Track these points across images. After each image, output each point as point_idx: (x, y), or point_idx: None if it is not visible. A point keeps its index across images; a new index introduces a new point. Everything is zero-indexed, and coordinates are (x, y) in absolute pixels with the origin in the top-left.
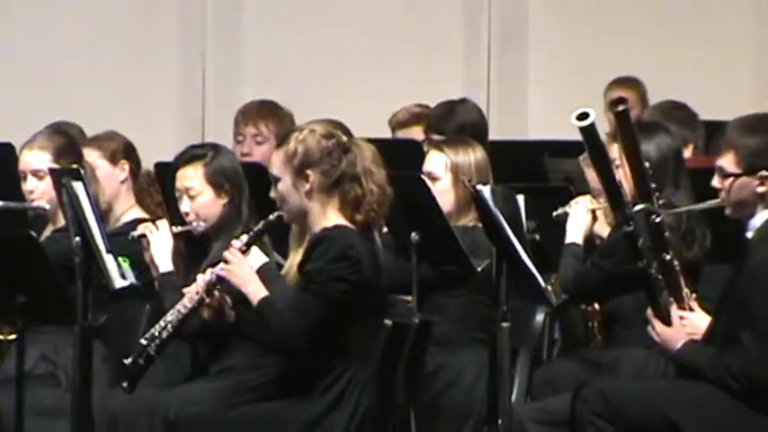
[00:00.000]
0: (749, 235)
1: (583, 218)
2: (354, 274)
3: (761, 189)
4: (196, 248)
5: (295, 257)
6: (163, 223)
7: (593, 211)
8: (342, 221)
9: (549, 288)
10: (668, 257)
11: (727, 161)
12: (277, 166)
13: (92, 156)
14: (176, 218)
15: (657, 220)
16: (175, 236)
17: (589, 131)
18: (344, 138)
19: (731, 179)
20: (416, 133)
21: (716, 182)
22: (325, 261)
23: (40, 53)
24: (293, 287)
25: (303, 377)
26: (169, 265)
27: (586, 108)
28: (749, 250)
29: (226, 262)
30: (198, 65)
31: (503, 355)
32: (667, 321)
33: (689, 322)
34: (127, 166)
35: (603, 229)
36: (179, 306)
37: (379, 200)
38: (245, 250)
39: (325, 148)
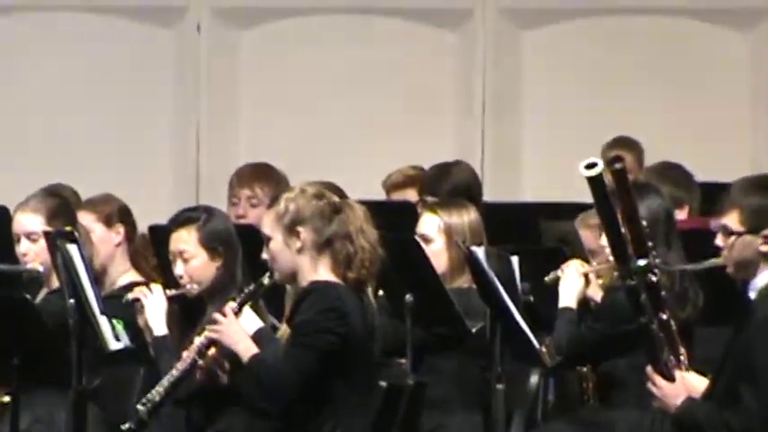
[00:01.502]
0: (752, 295)
1: (575, 282)
2: (342, 326)
3: (764, 248)
4: (191, 312)
5: None
6: (157, 287)
7: (586, 275)
8: (332, 278)
9: (544, 349)
10: (665, 317)
11: (732, 219)
12: (268, 225)
13: (87, 219)
14: (171, 281)
15: (654, 279)
16: (169, 299)
17: (597, 181)
18: (335, 198)
19: (734, 237)
20: (411, 195)
21: (719, 240)
22: (312, 312)
23: (36, 116)
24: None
25: None
26: (164, 329)
27: (594, 159)
28: (752, 310)
29: (215, 323)
30: (192, 128)
31: (497, 416)
32: (668, 378)
33: (687, 382)
34: (122, 230)
35: (596, 293)
36: (173, 370)
37: (370, 258)
38: (236, 311)
39: (316, 207)
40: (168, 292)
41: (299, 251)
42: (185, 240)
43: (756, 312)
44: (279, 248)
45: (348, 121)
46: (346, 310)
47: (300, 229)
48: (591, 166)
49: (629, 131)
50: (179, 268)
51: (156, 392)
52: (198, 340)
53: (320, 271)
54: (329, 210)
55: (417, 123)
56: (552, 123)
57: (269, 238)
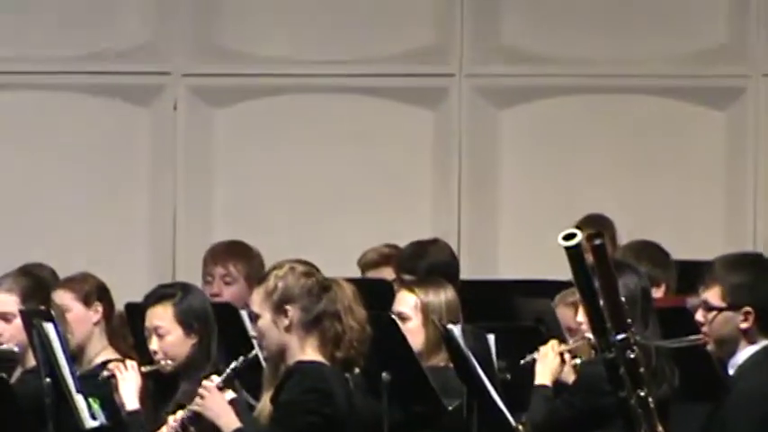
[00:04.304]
0: (731, 372)
1: (551, 360)
2: (326, 407)
3: (744, 325)
4: (165, 388)
5: (267, 397)
6: (131, 362)
7: (561, 354)
8: (319, 358)
9: (521, 428)
10: (643, 394)
11: (713, 295)
12: (257, 302)
13: (65, 297)
14: (147, 358)
15: (633, 356)
16: (144, 375)
17: (575, 252)
18: (324, 277)
19: (715, 313)
20: (386, 274)
21: (699, 316)
22: (296, 393)
23: (12, 195)
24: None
25: None
26: (136, 404)
27: (572, 229)
28: (731, 387)
29: (201, 397)
30: (169, 206)
31: None
32: None
33: None
34: (101, 308)
35: (569, 376)
36: None
37: (359, 337)
38: (221, 387)
39: (305, 286)
40: (143, 368)
41: (287, 329)
42: (160, 316)
43: (735, 388)
44: (267, 326)
45: (324, 199)
46: (331, 391)
47: (289, 307)
48: (569, 236)
49: (605, 210)
50: (154, 344)
51: None
52: (180, 413)
53: (307, 350)
54: (318, 288)
55: (394, 201)
56: (529, 201)
57: (257, 316)
